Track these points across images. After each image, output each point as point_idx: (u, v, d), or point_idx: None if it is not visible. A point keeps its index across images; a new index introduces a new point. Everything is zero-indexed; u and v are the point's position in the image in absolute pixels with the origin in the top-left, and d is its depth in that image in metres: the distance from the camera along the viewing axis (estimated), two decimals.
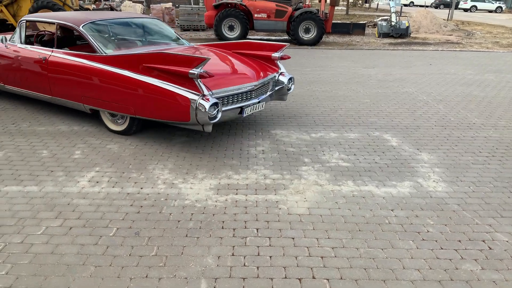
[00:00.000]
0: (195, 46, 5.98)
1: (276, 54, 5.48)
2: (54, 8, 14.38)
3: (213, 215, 3.30)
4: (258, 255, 2.81)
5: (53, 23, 5.33)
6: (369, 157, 4.57)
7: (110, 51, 4.86)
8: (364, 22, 20.71)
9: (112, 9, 16.44)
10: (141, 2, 21.25)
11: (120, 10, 19.31)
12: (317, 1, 17.07)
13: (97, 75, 4.63)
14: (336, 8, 16.64)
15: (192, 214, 3.31)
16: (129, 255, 2.78)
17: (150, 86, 4.24)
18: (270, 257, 2.80)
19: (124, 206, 3.40)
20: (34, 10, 14.35)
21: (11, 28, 15.63)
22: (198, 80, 4.10)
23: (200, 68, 3.98)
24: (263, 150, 4.71)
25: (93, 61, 4.72)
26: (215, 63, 4.91)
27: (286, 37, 17.47)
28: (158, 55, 4.21)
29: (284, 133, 5.35)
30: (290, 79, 5.50)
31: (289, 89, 5.59)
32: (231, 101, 4.58)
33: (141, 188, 3.71)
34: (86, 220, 3.18)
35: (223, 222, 3.20)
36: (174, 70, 4.07)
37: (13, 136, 4.95)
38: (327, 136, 5.25)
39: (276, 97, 5.63)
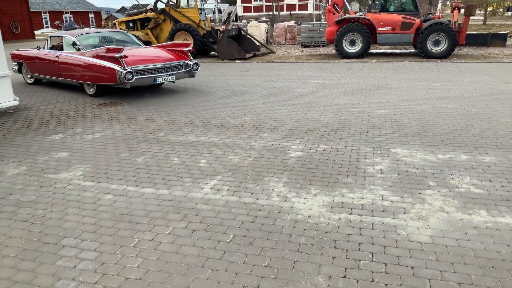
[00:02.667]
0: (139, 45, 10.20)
1: (185, 49, 9.36)
2: (189, 30, 15.97)
3: (326, 233, 3.24)
4: (372, 281, 2.66)
5: (61, 37, 9.82)
6: (508, 185, 4.00)
7: (86, 49, 8.97)
8: (505, 32, 18.43)
9: (239, 29, 17.58)
10: (266, 22, 22.30)
11: (247, 30, 20.54)
12: (450, 12, 15.77)
13: (78, 62, 8.78)
14: (471, 18, 15.18)
15: (304, 229, 3.29)
16: (243, 262, 2.88)
17: (100, 65, 8.27)
18: (386, 285, 2.62)
19: (240, 214, 3.55)
20: (173, 32, 16.14)
21: None
22: (121, 60, 8.04)
23: (121, 53, 8.04)
24: (381, 170, 4.49)
25: (77, 55, 8.88)
26: (139, 52, 9.11)
27: (411, 50, 16.49)
28: (103, 49, 8.31)
29: (406, 152, 5.02)
30: (195, 63, 9.25)
31: (195, 70, 9.26)
32: (145, 73, 8.48)
33: (257, 199, 3.84)
34: (207, 224, 3.40)
35: (335, 241, 3.12)
36: (110, 55, 8.14)
37: (151, 143, 5.59)
38: (457, 158, 4.77)
39: (188, 75, 9.30)
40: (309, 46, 19.61)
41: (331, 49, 17.30)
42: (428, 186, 4.02)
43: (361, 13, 16.03)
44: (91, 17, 63.85)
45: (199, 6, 16.76)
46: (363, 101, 7.89)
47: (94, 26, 60.57)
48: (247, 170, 4.58)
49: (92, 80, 8.62)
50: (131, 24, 17.37)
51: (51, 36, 10.49)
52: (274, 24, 22.23)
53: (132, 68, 8.14)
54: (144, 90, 9.67)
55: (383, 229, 3.26)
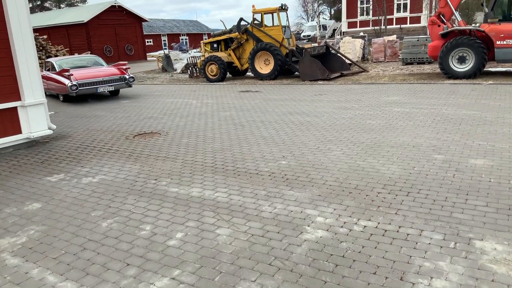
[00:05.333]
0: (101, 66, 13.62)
1: (123, 67, 13.02)
2: (271, 49, 14.83)
3: None
4: None
5: (50, 62, 13.27)
6: None
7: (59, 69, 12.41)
8: None
9: (327, 47, 15.92)
10: (363, 37, 20.19)
11: (339, 47, 18.73)
12: None
13: (51, 78, 12.40)
14: None
15: None
16: None
17: (59, 80, 11.87)
18: None
19: None
20: (253, 52, 15.18)
21: (235, 70, 17.11)
22: (70, 76, 11.61)
23: (69, 72, 11.71)
24: None
25: (55, 74, 12.30)
26: (89, 71, 12.46)
27: None
28: (64, 70, 11.87)
29: (503, 251, 2.96)
30: (131, 77, 12.76)
31: (131, 81, 12.76)
32: (89, 85, 11.79)
33: None
34: None
35: None
36: (66, 74, 11.78)
37: (140, 197, 4.39)
38: None
39: (127, 86, 12.73)
40: (411, 63, 16.97)
41: (437, 67, 14.53)
42: None
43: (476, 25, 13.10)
44: (205, 38, 67.87)
45: (283, 24, 15.57)
46: (455, 143, 5.68)
47: None
48: (224, 263, 3.04)
49: (57, 90, 12.38)
50: (215, 45, 16.92)
51: (46, 61, 13.97)
52: (372, 39, 19.96)
53: (77, 82, 11.66)
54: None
55: None
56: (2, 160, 6.19)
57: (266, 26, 15.67)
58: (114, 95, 13.65)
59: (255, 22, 16.03)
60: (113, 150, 6.43)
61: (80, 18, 33.61)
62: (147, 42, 52.64)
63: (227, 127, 7.65)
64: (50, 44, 29.20)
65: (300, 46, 16.47)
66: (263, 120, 8.05)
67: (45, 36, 28.58)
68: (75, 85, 11.56)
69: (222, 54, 16.39)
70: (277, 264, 2.98)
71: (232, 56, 16.22)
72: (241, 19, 15.95)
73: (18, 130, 6.74)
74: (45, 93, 11.86)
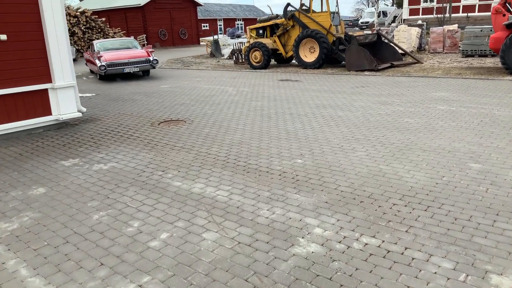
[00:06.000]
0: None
1: (148, 50, 14.61)
2: (316, 37, 14.22)
3: None
4: None
5: (92, 44, 15.34)
6: None
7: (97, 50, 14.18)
8: None
9: (379, 35, 14.96)
10: (420, 26, 18.77)
11: (393, 36, 17.60)
12: None
13: (90, 58, 14.81)
14: None
15: None
16: None
17: (94, 61, 13.77)
18: None
19: None
20: (299, 39, 14.65)
21: (279, 57, 16.65)
22: (101, 58, 13.24)
23: (99, 54, 13.48)
24: None
25: (93, 56, 14.24)
26: (118, 53, 13.79)
27: None
28: (96, 53, 13.98)
29: None
30: (154, 59, 13.83)
31: (154, 63, 13.95)
32: (116, 66, 13.17)
33: None
34: None
35: None
36: (98, 56, 13.53)
37: (140, 190, 4.27)
38: None
39: (151, 67, 13.96)
40: (472, 56, 15.58)
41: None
42: None
43: None
44: None
45: (331, 10, 14.84)
46: (499, 151, 4.99)
47: None
48: (199, 273, 2.79)
49: (94, 70, 14.14)
50: (261, 31, 16.55)
51: (91, 43, 16.07)
52: (431, 28, 18.52)
53: (106, 63, 13.07)
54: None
55: None
56: (30, 140, 6.38)
57: (314, 12, 15.04)
58: (145, 75, 14.85)
59: (303, 7, 15.44)
60: (134, 137, 6.39)
61: (137, 1, 34.54)
62: (203, 26, 53.27)
63: (253, 118, 7.36)
64: (108, 26, 30.30)
65: (350, 33, 15.66)
66: (292, 113, 7.66)
67: (103, 19, 29.68)
68: (103, 65, 13.02)
69: (267, 41, 16.00)
70: (254, 281, 2.69)
71: (277, 42, 15.78)
72: (288, 4, 15.42)
73: (48, 112, 6.91)
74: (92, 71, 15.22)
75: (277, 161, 4.98)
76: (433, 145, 5.35)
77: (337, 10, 15.45)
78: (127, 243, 3.22)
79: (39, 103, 6.79)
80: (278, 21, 15.83)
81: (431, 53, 17.72)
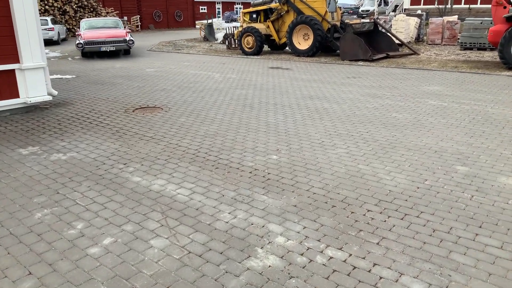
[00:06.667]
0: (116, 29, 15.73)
1: (126, 30, 15.58)
2: (311, 23, 13.73)
3: None
4: None
5: (79, 23, 18.39)
6: None
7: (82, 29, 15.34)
8: None
9: (375, 24, 14.47)
10: (419, 16, 18.23)
11: (391, 26, 17.11)
12: None
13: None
14: None
15: None
16: None
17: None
18: None
19: None
20: (292, 25, 14.15)
21: (273, 44, 16.16)
22: (79, 37, 14.39)
23: (79, 32, 14.88)
24: None
25: (77, 34, 15.19)
26: (99, 32, 14.69)
27: None
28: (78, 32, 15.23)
29: None
30: (130, 40, 14.71)
31: (130, 43, 14.75)
32: (94, 44, 14.19)
33: None
34: None
35: None
36: (77, 34, 14.84)
37: (95, 185, 3.90)
38: None
39: (127, 46, 14.73)
40: (471, 49, 15.15)
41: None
42: None
43: None
44: None
45: None
46: (489, 152, 4.64)
47: None
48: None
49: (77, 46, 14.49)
50: (254, 16, 15.97)
51: (82, 22, 16.28)
52: (430, 19, 18.02)
53: (83, 41, 14.07)
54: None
55: None
56: None
57: None
58: (126, 54, 15.71)
59: None
60: (103, 124, 6.00)
61: None
62: (201, 9, 52.18)
63: (234, 108, 6.97)
64: (101, 6, 29.50)
65: (347, 21, 15.16)
66: (276, 103, 7.27)
67: None
68: (81, 43, 14.09)
69: (260, 26, 15.48)
70: None
71: (271, 28, 15.26)
72: None
73: (15, 94, 6.49)
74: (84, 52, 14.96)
75: (250, 157, 4.62)
76: (419, 143, 5.00)
77: None
78: (64, 248, 2.87)
79: (5, 85, 6.36)
80: (272, 5, 15.30)
81: (429, 44, 17.27)
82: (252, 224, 3.18)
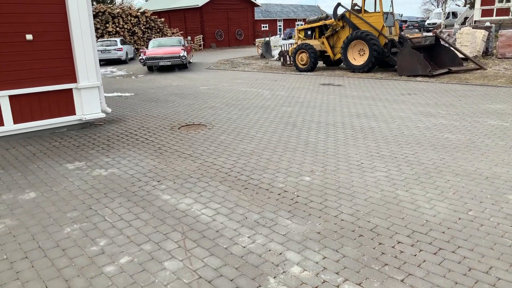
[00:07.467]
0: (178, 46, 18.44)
1: (181, 48, 17.96)
2: (366, 38, 13.40)
3: None
4: None
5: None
6: None
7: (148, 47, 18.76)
8: None
9: (437, 37, 13.71)
10: (487, 28, 17.00)
11: (455, 39, 16.15)
12: None
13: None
14: None
15: None
16: None
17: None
18: None
19: None
20: (347, 41, 13.89)
21: (328, 60, 15.93)
22: (142, 54, 17.36)
23: (143, 50, 17.81)
24: None
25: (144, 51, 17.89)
26: (159, 49, 17.67)
27: None
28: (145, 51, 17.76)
29: None
30: (183, 56, 17.04)
31: (183, 59, 17.13)
32: (154, 59, 16.96)
33: None
34: None
35: None
36: (141, 51, 17.99)
37: (126, 202, 4.01)
38: None
39: (180, 61, 17.23)
40: None
41: None
42: None
43: None
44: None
45: (385, 10, 13.88)
46: None
47: None
48: None
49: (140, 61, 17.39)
50: (309, 32, 15.93)
51: (151, 41, 19.53)
52: (500, 31, 16.72)
53: (145, 57, 16.74)
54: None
55: None
56: (49, 139, 6.44)
57: (366, 12, 14.17)
58: (183, 68, 18.19)
59: (355, 7, 14.61)
60: (148, 141, 6.22)
61: (196, 2, 35.21)
62: (263, 27, 53.23)
63: (276, 126, 6.90)
64: (167, 26, 31.13)
65: (407, 35, 14.57)
66: (320, 121, 7.09)
67: (162, 19, 30.57)
68: (142, 58, 16.97)
69: (314, 42, 15.38)
70: None
71: (325, 44, 15.09)
72: (339, 4, 14.66)
73: (72, 111, 6.96)
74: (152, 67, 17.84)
75: (282, 178, 4.51)
76: (470, 168, 4.57)
77: (391, 11, 14.44)
78: (83, 264, 2.95)
79: (63, 103, 6.85)
80: (327, 21, 15.16)
81: (499, 58, 16.02)
82: (269, 251, 3.06)
